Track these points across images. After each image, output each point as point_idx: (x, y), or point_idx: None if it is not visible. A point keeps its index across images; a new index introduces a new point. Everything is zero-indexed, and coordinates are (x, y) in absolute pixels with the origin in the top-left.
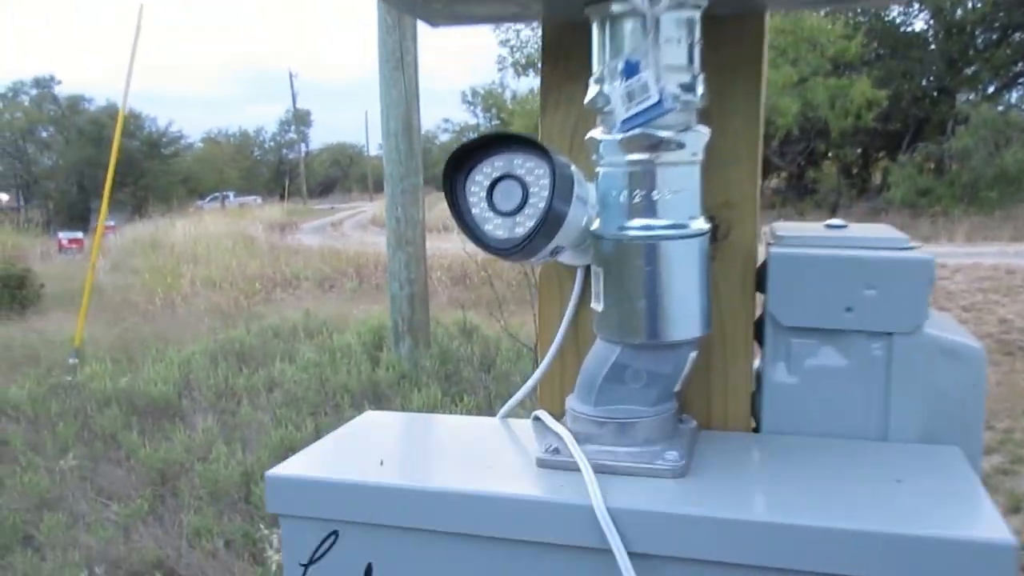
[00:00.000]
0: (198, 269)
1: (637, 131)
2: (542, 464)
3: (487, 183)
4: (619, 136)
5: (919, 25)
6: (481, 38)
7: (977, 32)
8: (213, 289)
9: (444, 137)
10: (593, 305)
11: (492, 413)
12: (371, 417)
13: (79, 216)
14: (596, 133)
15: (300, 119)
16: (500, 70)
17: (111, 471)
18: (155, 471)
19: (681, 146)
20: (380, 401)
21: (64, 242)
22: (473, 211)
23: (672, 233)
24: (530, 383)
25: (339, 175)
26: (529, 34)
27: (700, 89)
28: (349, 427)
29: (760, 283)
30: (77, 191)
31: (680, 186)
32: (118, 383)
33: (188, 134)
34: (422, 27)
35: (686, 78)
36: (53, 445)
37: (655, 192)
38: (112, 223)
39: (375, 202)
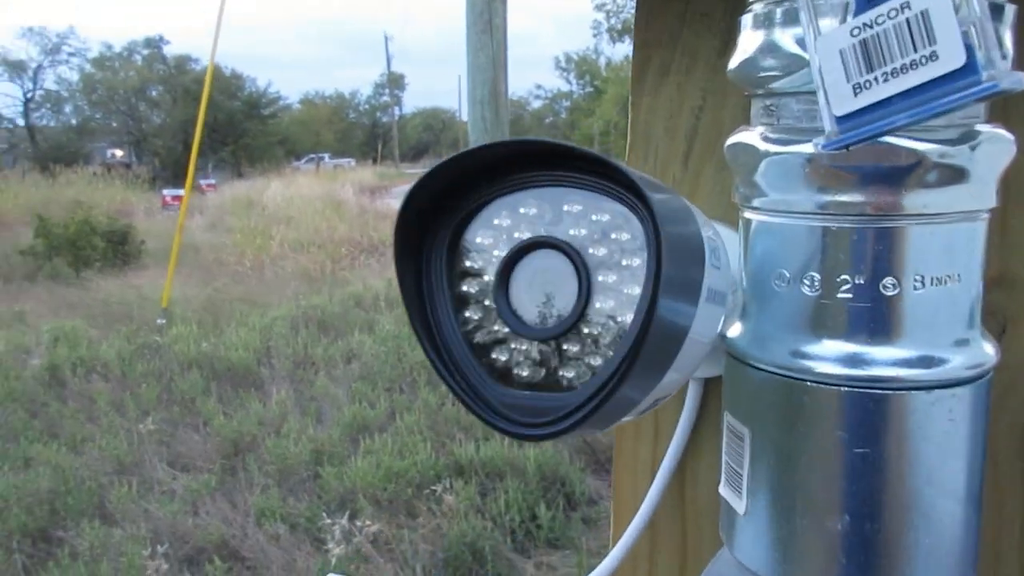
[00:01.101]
0: (288, 231)
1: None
2: None
3: (498, 256)
4: (819, 150)
5: None
6: (576, 3)
7: None
8: (301, 251)
9: (536, 104)
10: (723, 491)
11: None
12: None
13: (184, 173)
14: (749, 137)
15: (394, 82)
16: (595, 36)
17: (188, 437)
18: (228, 441)
19: (958, 176)
20: None
21: (167, 199)
22: (466, 314)
23: (924, 378)
24: None
25: (431, 140)
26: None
27: (1009, 39)
28: None
29: None
30: (182, 149)
31: (947, 268)
32: (201, 347)
33: (286, 95)
34: None
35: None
36: (135, 407)
37: (887, 281)
38: (213, 181)
39: None
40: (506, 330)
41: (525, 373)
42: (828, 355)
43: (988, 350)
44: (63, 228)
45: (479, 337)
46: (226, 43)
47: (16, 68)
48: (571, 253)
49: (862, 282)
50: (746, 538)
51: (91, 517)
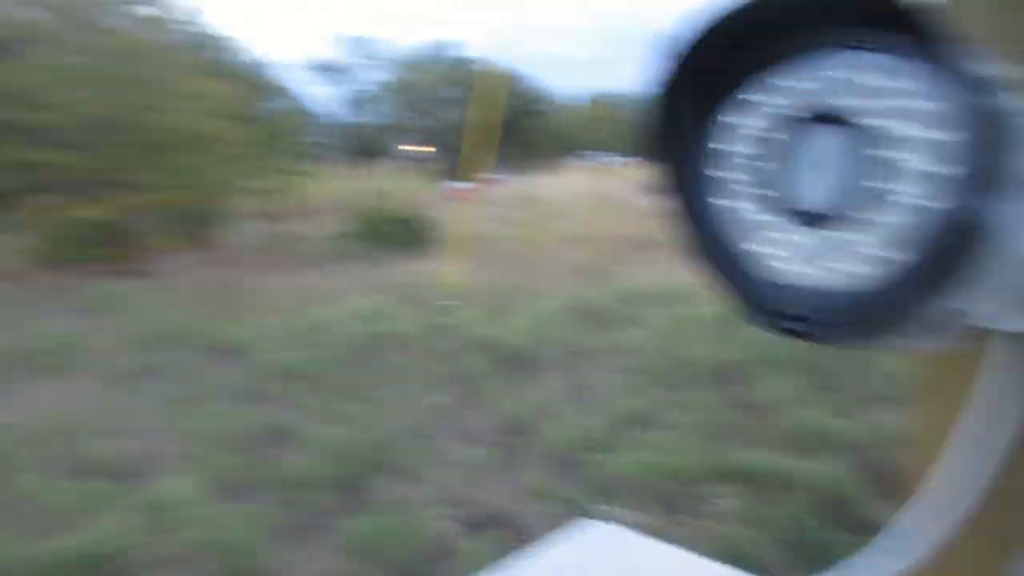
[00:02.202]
0: (564, 225)
1: None
2: None
3: (773, 136)
4: None
5: None
6: None
7: None
8: (576, 245)
9: None
10: None
11: (853, 420)
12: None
13: (477, 168)
14: None
15: None
16: None
17: (471, 414)
18: (507, 421)
19: None
20: (729, 382)
21: (458, 191)
22: (733, 202)
23: None
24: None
25: None
26: None
27: None
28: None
29: None
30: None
31: None
32: (485, 329)
33: (568, 94)
34: None
35: None
36: (425, 380)
37: None
38: (500, 176)
39: None
40: (781, 217)
41: (798, 266)
42: None
43: None
44: (367, 215)
45: (748, 225)
46: (521, 48)
47: (336, 71)
48: (861, 127)
49: None
50: None
51: (388, 474)
